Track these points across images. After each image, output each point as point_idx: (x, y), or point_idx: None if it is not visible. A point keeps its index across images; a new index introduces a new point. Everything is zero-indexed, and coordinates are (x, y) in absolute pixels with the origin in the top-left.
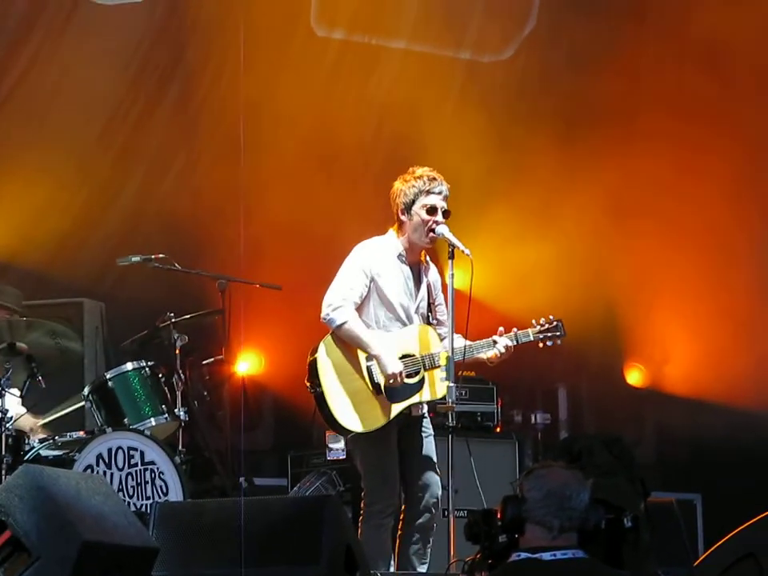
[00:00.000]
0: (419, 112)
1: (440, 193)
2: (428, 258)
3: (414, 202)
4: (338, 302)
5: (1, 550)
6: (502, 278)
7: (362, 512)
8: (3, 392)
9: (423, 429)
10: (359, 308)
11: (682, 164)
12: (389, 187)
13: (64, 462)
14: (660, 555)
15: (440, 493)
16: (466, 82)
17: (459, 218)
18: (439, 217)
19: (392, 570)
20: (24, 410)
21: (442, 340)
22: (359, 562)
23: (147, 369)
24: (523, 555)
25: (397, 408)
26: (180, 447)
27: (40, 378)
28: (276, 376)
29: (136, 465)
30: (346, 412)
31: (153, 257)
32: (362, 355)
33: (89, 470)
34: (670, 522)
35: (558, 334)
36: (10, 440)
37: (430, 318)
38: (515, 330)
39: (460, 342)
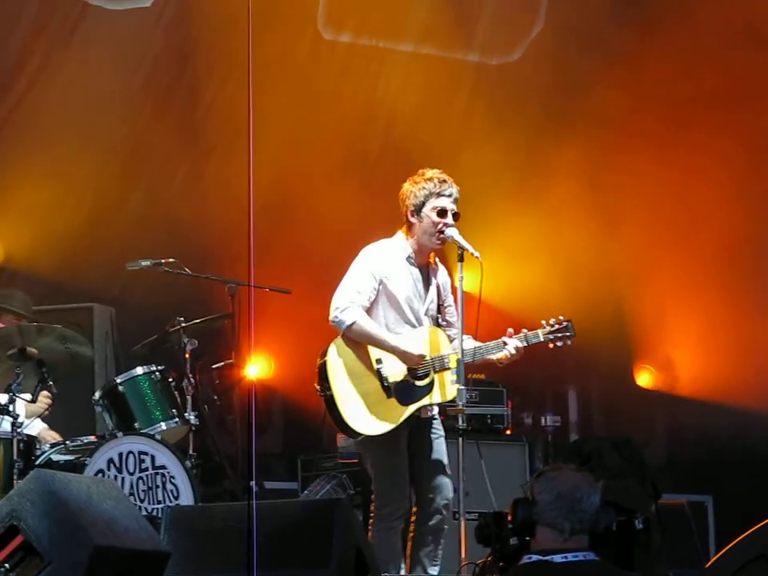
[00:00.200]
0: (427, 115)
1: (450, 195)
2: (437, 260)
3: (423, 204)
4: (346, 303)
5: (13, 555)
6: (511, 280)
7: (372, 515)
8: (14, 397)
9: (433, 430)
10: (368, 311)
11: (691, 169)
12: (397, 189)
13: (75, 467)
14: (671, 557)
15: (451, 495)
16: (474, 85)
17: (468, 220)
18: (449, 219)
19: (402, 572)
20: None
21: (451, 342)
22: (369, 565)
23: (157, 373)
24: (534, 558)
25: (407, 410)
26: (190, 451)
27: (50, 382)
28: (286, 380)
29: (147, 469)
30: (356, 415)
31: (162, 261)
32: (371, 357)
33: (100, 475)
34: (681, 524)
35: (567, 334)
36: (21, 445)
37: (440, 320)
38: (525, 331)
39: (470, 343)
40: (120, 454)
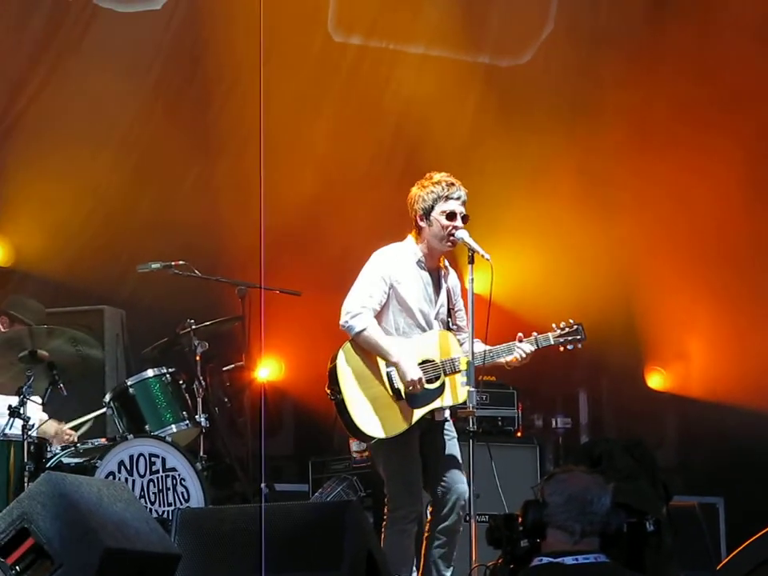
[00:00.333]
0: (437, 117)
1: (458, 198)
2: (447, 263)
3: (432, 207)
4: (357, 309)
5: (24, 557)
6: (522, 283)
7: (385, 518)
8: (25, 399)
9: (446, 432)
10: (378, 315)
11: (703, 171)
12: (408, 192)
13: (86, 469)
14: (682, 559)
15: (467, 494)
16: (485, 87)
17: (478, 223)
18: (458, 222)
19: (415, 575)
20: (46, 416)
21: (461, 345)
22: (380, 567)
23: (168, 376)
24: (545, 560)
25: (418, 413)
26: (201, 454)
27: (61, 385)
28: (296, 382)
29: (157, 471)
30: (367, 418)
31: (173, 263)
32: (381, 361)
33: (111, 477)
34: (692, 526)
35: (578, 337)
36: (32, 447)
37: (450, 324)
38: (535, 334)
39: (480, 346)
40: (131, 457)
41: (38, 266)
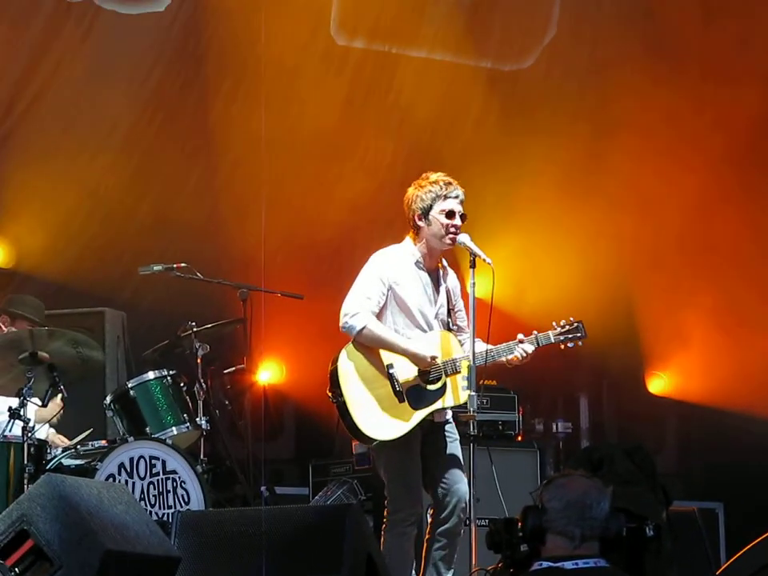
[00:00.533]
0: (440, 121)
1: (456, 197)
2: (446, 264)
3: (431, 206)
4: (356, 309)
5: (23, 559)
6: (523, 287)
7: (385, 520)
8: (25, 401)
9: (448, 434)
10: (378, 317)
11: (705, 175)
12: None
13: (86, 471)
14: (682, 564)
15: (467, 497)
16: (487, 91)
17: (480, 226)
18: (457, 220)
19: None
20: (53, 430)
21: (462, 345)
22: (380, 571)
23: (169, 378)
24: (545, 564)
25: (420, 414)
26: (202, 456)
27: (62, 387)
28: (297, 385)
29: (158, 474)
30: (369, 421)
31: (174, 266)
32: (383, 362)
33: (111, 479)
34: (692, 531)
35: (579, 335)
36: (32, 449)
37: (450, 324)
38: (535, 332)
39: (481, 346)
40: (131, 459)
41: (39, 268)
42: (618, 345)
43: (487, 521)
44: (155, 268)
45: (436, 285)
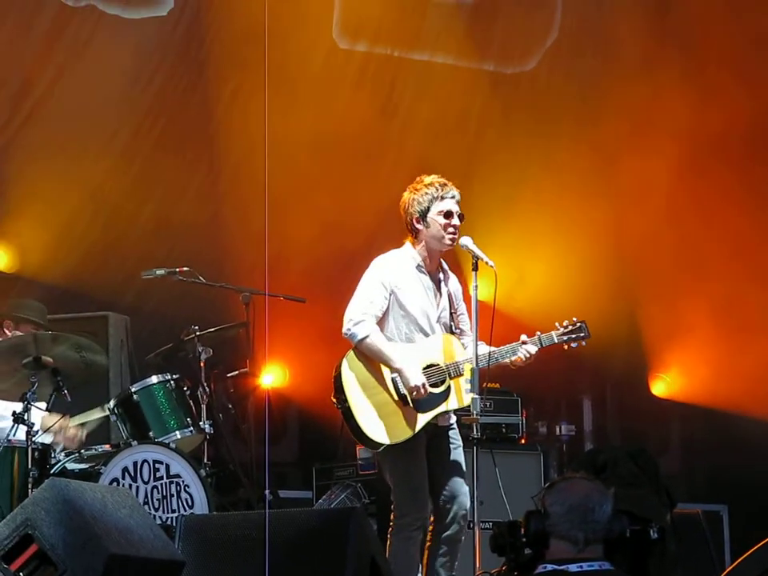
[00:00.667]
0: (442, 124)
1: (453, 197)
2: (446, 266)
3: (429, 208)
4: (359, 316)
5: (28, 564)
6: (525, 291)
7: (391, 524)
8: (29, 405)
9: (452, 441)
10: (380, 321)
11: (707, 177)
12: None
13: (90, 476)
14: (686, 566)
15: (469, 504)
16: (489, 93)
17: (482, 230)
18: (456, 220)
19: None
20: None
21: (465, 348)
22: (384, 574)
23: (172, 382)
24: (549, 567)
25: (425, 418)
26: (205, 460)
27: (65, 391)
28: (300, 388)
29: (161, 478)
30: (374, 425)
31: (177, 270)
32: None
33: (114, 484)
34: (696, 533)
35: (582, 335)
36: (36, 453)
37: (453, 328)
38: (538, 333)
39: (484, 348)
40: (135, 463)
41: (42, 272)
42: (621, 347)
43: (491, 524)
44: (158, 272)
45: (437, 288)
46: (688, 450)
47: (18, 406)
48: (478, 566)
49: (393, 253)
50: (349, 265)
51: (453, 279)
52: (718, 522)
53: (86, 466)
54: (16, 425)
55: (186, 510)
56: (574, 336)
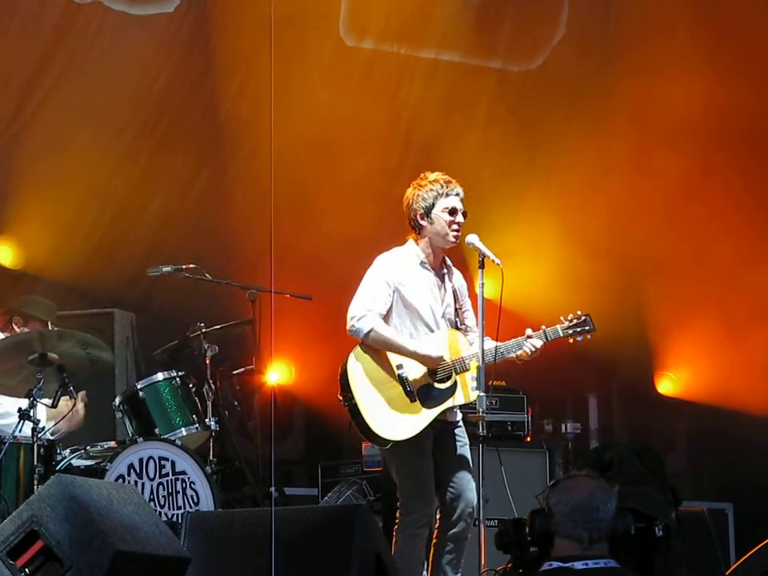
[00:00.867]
0: (449, 121)
1: (457, 194)
2: (450, 263)
3: (433, 205)
4: (362, 312)
5: (33, 560)
6: (532, 288)
7: (397, 521)
8: (35, 402)
9: (458, 438)
10: (384, 319)
11: (713, 177)
12: None
13: (95, 472)
14: (691, 564)
15: (475, 502)
16: (496, 91)
17: (489, 228)
18: (460, 218)
19: None
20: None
21: (470, 344)
22: (389, 571)
23: (178, 379)
24: (555, 564)
25: (431, 414)
26: (211, 457)
27: (71, 388)
28: (306, 386)
29: (167, 475)
30: (381, 422)
31: (183, 267)
32: (392, 363)
33: (120, 480)
34: (701, 531)
35: (587, 328)
36: (42, 450)
37: (458, 324)
38: (543, 327)
39: (490, 343)
40: (140, 460)
41: (48, 269)
42: (627, 345)
43: (496, 521)
44: (164, 269)
45: (442, 284)
46: (694, 448)
47: (24, 403)
48: (483, 563)
49: (396, 250)
50: (355, 261)
51: (457, 275)
52: (723, 520)
53: (92, 463)
54: (22, 421)
55: (191, 507)
56: (579, 329)
